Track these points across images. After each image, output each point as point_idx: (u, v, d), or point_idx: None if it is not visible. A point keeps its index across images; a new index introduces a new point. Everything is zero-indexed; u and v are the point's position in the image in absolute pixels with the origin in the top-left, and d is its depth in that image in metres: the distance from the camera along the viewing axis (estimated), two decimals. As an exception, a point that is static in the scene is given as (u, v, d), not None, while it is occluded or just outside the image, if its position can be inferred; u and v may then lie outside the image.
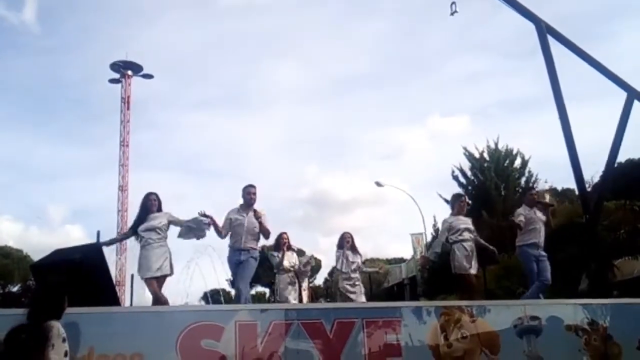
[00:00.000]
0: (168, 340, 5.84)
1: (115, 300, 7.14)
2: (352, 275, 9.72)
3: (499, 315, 6.93)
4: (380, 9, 74.11)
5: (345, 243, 9.85)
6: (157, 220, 7.63)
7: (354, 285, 9.67)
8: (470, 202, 27.93)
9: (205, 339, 5.93)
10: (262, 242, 8.53)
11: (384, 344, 6.41)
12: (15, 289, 36.22)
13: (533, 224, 8.80)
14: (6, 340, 4.05)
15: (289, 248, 9.73)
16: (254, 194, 8.29)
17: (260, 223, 8.13)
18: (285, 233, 9.78)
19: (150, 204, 7.75)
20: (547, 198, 9.87)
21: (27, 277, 30.08)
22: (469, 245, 8.53)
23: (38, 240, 58.95)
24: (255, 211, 8.17)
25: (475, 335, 6.64)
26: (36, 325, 4.42)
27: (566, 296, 8.94)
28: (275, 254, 9.53)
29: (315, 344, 6.20)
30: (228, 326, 6.05)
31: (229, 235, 8.20)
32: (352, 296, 9.52)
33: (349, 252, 9.77)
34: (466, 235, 8.60)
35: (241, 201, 8.36)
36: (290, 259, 9.60)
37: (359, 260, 9.80)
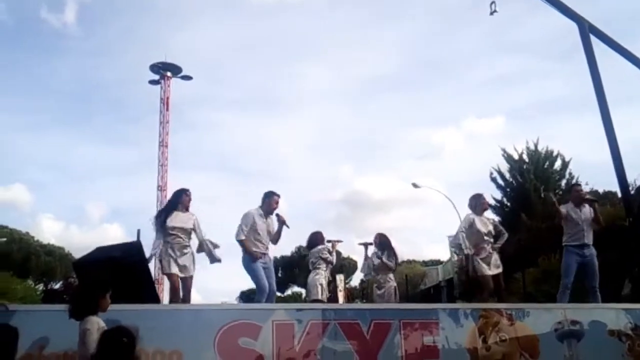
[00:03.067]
0: (206, 338, 5.92)
1: (154, 298, 7.23)
2: (378, 277, 9.75)
3: (539, 319, 6.83)
4: (414, 10, 73.83)
5: (370, 245, 9.92)
6: (188, 222, 7.74)
7: (380, 287, 9.67)
8: (508, 204, 27.79)
9: (243, 337, 5.99)
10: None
11: (421, 346, 6.38)
12: (57, 286, 36.99)
13: (579, 223, 8.48)
14: (106, 340, 4.18)
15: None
16: (277, 203, 8.36)
17: (281, 228, 8.24)
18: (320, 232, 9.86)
19: (186, 201, 7.90)
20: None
21: (68, 274, 30.71)
22: (486, 249, 8.45)
23: (78, 238, 60.29)
24: (278, 215, 8.28)
25: (514, 339, 6.57)
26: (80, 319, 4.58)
27: (609, 301, 8.74)
28: (325, 251, 9.56)
29: (352, 345, 6.21)
30: (265, 325, 6.10)
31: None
32: (378, 300, 9.54)
33: (373, 254, 9.82)
34: (486, 238, 8.51)
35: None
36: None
37: (384, 259, 9.73)
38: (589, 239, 8.39)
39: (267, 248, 8.17)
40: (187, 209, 7.88)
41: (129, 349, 4.17)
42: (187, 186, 8.05)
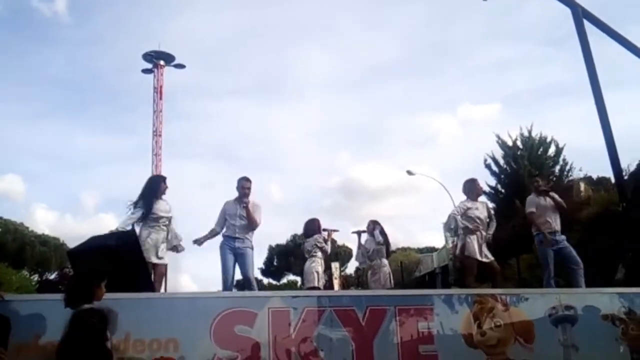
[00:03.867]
0: (202, 326, 5.92)
1: (150, 287, 7.23)
2: (372, 263, 9.79)
3: (534, 304, 6.84)
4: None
5: (364, 233, 9.96)
6: (169, 210, 7.93)
7: (375, 273, 9.72)
8: (502, 190, 27.82)
9: (239, 325, 5.99)
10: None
11: (416, 332, 6.39)
12: (52, 276, 37.00)
13: (545, 211, 8.76)
14: (75, 322, 4.18)
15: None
16: (248, 188, 8.44)
17: (248, 211, 8.28)
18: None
19: (164, 189, 8.06)
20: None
21: (63, 264, 30.73)
22: (481, 234, 8.52)
23: (73, 228, 60.16)
24: (246, 202, 8.35)
25: (509, 324, 6.58)
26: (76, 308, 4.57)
27: (602, 285, 8.79)
28: (320, 239, 9.58)
29: (348, 331, 6.21)
30: (261, 312, 6.09)
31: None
32: (373, 285, 9.60)
33: (368, 240, 9.86)
34: (481, 224, 8.57)
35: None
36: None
37: (375, 246, 9.76)
38: (557, 225, 8.57)
39: (237, 232, 8.26)
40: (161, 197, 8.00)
41: (98, 330, 4.17)
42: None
